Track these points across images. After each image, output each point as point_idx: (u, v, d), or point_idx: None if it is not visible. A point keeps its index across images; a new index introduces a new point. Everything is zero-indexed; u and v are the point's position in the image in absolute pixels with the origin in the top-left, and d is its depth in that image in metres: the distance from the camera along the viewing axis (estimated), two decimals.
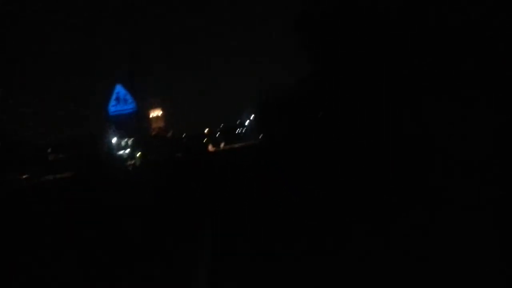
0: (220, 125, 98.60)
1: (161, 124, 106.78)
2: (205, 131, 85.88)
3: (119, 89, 8.75)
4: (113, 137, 50.56)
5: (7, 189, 29.31)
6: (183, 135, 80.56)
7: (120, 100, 8.58)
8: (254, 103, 37.70)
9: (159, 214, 7.95)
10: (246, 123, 61.77)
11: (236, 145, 52.52)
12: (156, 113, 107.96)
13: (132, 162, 49.06)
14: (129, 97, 8.55)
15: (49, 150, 53.40)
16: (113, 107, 8.49)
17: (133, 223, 7.20)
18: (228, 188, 10.69)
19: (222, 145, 57.94)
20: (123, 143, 53.79)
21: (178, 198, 10.24)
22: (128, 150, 55.37)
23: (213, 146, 62.14)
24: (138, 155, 52.91)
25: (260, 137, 48.92)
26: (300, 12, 15.15)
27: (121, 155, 51.76)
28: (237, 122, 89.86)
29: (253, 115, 48.82)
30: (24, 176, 40.95)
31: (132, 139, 57.41)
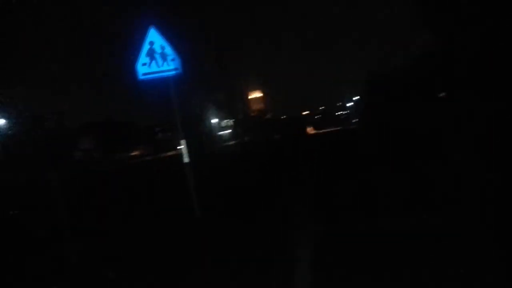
0: (321, 107, 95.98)
1: (261, 105, 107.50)
2: (305, 113, 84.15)
3: (154, 38, 4.81)
4: (213, 118, 51.68)
5: (114, 166, 31.20)
6: (282, 117, 79.95)
7: (156, 55, 4.84)
8: (360, 84, 34.67)
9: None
10: (349, 105, 58.57)
11: (333, 129, 49.78)
12: (256, 94, 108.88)
13: (232, 142, 49.58)
14: (169, 51, 4.86)
15: (157, 130, 56.83)
16: (144, 67, 4.76)
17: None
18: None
19: (322, 128, 55.59)
20: (223, 123, 54.78)
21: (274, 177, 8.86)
22: (229, 131, 56.32)
23: (313, 128, 60.19)
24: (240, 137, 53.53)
25: (354, 122, 45.52)
26: None
27: (221, 136, 52.77)
28: (338, 104, 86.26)
29: (357, 97, 45.56)
30: (133, 154, 43.82)
31: (233, 120, 58.21)
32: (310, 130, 58.85)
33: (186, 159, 4.98)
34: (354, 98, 49.15)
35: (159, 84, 5.19)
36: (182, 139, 5.13)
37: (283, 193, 6.34)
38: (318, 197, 5.81)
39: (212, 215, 4.91)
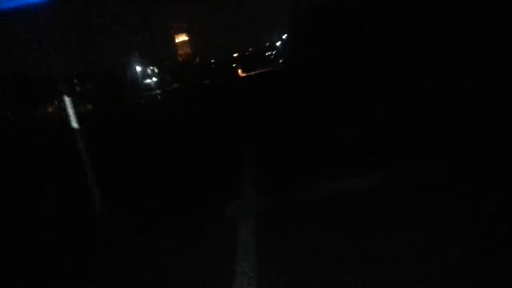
0: (249, 48, 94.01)
1: (187, 50, 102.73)
2: (234, 55, 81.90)
3: None
4: (137, 65, 48.04)
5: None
6: (212, 61, 77.30)
7: None
8: (288, 20, 33.30)
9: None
10: (277, 45, 57.64)
11: (263, 70, 48.90)
12: (181, 38, 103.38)
13: (159, 91, 46.92)
14: None
15: (76, 81, 52.08)
16: None
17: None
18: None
19: (252, 70, 54.51)
20: (149, 71, 51.32)
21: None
22: (155, 79, 53.07)
23: (244, 71, 58.92)
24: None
25: (282, 61, 44.82)
26: None
27: (148, 84, 49.61)
28: (266, 44, 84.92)
29: (285, 35, 44.46)
30: (49, 111, 40.04)
31: (159, 66, 54.73)
32: (240, 72, 57.41)
33: (74, 124, 2.79)
34: (283, 37, 48.06)
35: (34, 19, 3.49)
36: (64, 93, 3.17)
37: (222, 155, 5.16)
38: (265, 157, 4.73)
39: (125, 214, 2.85)
